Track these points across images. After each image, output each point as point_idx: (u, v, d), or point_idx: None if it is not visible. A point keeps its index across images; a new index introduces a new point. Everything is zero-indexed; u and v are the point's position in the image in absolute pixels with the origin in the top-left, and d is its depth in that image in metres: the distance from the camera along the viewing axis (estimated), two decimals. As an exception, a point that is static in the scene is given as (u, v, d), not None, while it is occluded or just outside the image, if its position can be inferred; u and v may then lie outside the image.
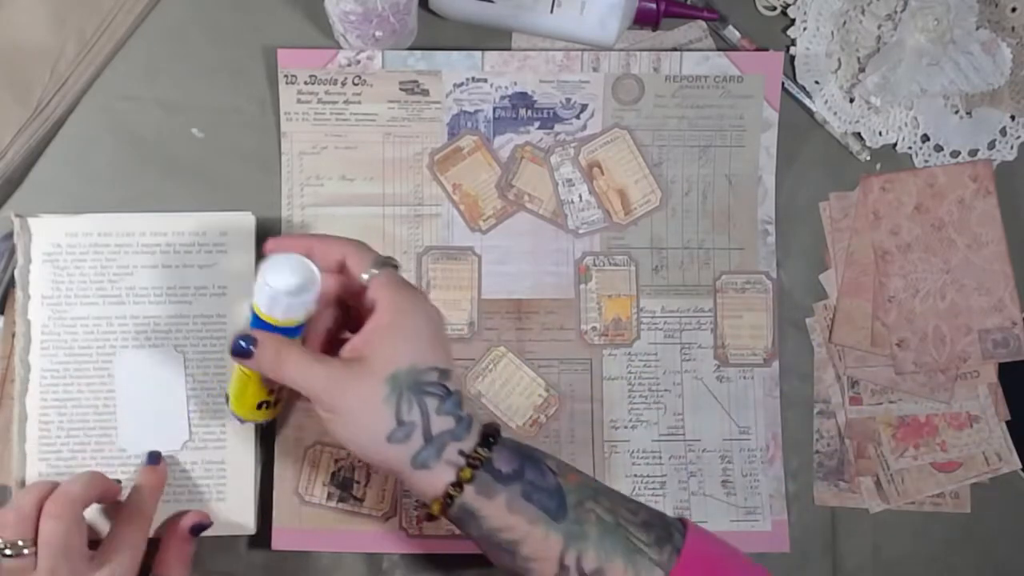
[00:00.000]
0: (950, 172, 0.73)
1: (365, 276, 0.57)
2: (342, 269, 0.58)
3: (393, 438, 0.53)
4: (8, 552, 0.58)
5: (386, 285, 0.56)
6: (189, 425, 0.68)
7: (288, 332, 0.56)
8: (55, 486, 0.61)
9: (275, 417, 0.65)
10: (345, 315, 0.61)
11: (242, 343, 0.55)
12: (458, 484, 0.54)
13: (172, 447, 0.68)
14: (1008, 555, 0.73)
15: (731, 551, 0.58)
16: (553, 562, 0.54)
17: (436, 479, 0.54)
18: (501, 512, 0.54)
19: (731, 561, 0.58)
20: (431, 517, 0.56)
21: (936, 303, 0.72)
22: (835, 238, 0.73)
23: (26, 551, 0.58)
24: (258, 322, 0.56)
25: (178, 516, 0.67)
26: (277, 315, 0.55)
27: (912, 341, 0.72)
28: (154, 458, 0.67)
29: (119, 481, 0.65)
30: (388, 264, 0.58)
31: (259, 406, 0.61)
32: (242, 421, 0.63)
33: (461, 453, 0.54)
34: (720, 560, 0.57)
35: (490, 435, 0.55)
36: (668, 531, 0.55)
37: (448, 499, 0.54)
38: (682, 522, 0.57)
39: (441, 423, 0.54)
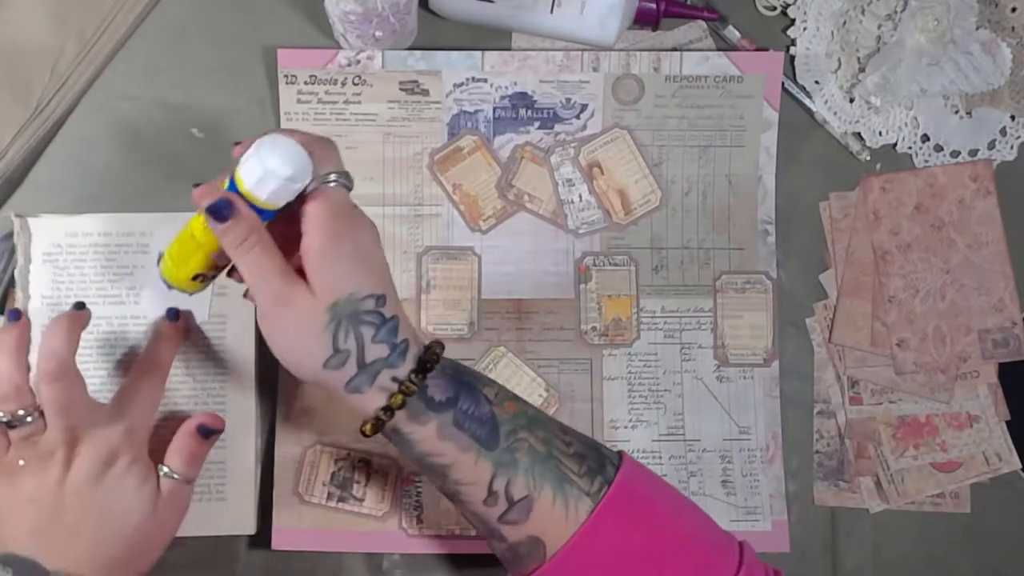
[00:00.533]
0: (950, 172, 0.73)
1: (331, 177, 0.55)
2: None
3: (328, 364, 0.54)
4: (14, 424, 0.59)
5: (328, 203, 0.54)
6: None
7: (259, 214, 0.54)
8: (24, 342, 0.60)
9: (200, 291, 0.61)
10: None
11: (223, 206, 0.53)
12: (389, 409, 0.54)
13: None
14: (1008, 555, 0.73)
15: (665, 489, 0.59)
16: (482, 487, 0.55)
17: (369, 402, 0.55)
18: (432, 438, 0.55)
19: (662, 497, 0.58)
20: (364, 435, 0.56)
21: (936, 303, 0.72)
22: (835, 238, 0.73)
23: (29, 419, 0.59)
24: (234, 192, 0.54)
25: (189, 420, 0.65)
26: (260, 195, 0.53)
27: (912, 341, 0.72)
28: (173, 314, 0.66)
29: (83, 304, 0.62)
30: (341, 182, 0.55)
31: (195, 277, 0.58)
32: (169, 287, 0.60)
33: (394, 379, 0.55)
34: (650, 494, 0.57)
35: (428, 361, 0.55)
36: (601, 463, 0.56)
37: (379, 422, 0.55)
38: (621, 456, 0.58)
39: (376, 351, 0.54)
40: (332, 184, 0.55)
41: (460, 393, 0.55)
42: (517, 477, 0.55)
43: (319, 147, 0.55)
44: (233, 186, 0.54)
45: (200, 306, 0.68)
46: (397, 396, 0.54)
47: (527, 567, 0.56)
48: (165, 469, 0.63)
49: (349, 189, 0.56)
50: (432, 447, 0.55)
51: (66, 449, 0.59)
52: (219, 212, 0.53)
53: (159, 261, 0.59)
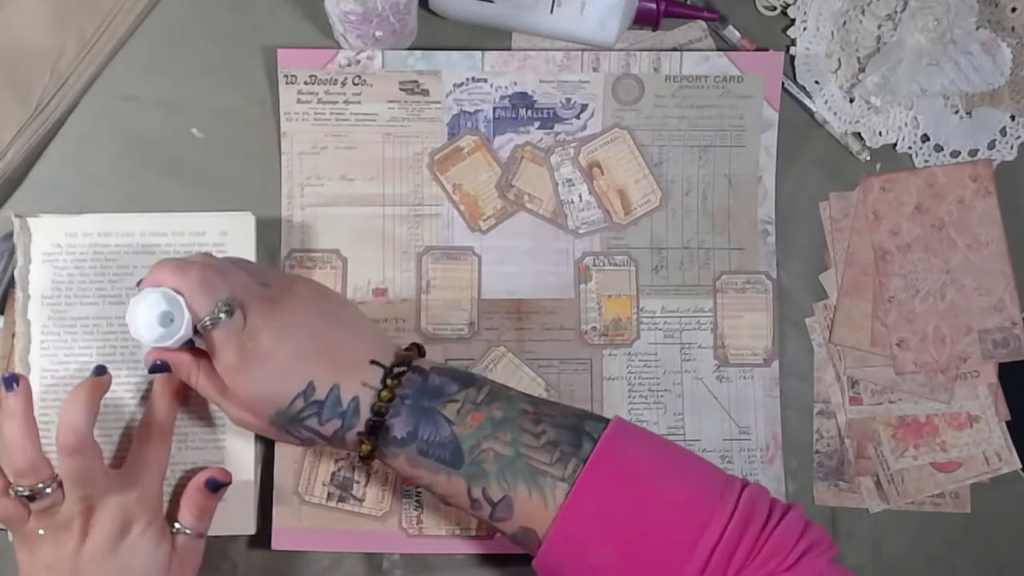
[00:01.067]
0: (950, 172, 0.73)
1: (206, 322, 0.58)
2: None
3: (305, 446, 0.62)
4: (35, 496, 0.59)
5: (214, 344, 0.58)
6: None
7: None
8: (30, 409, 0.60)
9: None
10: None
11: (158, 366, 0.62)
12: (362, 457, 0.60)
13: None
14: (1008, 555, 0.73)
15: (655, 447, 0.60)
16: (463, 497, 0.58)
17: (348, 449, 0.61)
18: (404, 467, 0.59)
19: (649, 458, 0.58)
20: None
21: (936, 303, 0.72)
22: (835, 238, 0.73)
23: (49, 490, 0.59)
24: None
25: (199, 469, 0.67)
26: (151, 344, 0.59)
27: (912, 341, 0.72)
28: (167, 366, 0.66)
29: (103, 369, 0.63)
30: (219, 317, 0.57)
31: None
32: None
33: (359, 434, 0.59)
34: (634, 459, 0.58)
35: (379, 413, 0.59)
36: (577, 443, 0.57)
37: (362, 460, 0.60)
38: (608, 424, 0.59)
39: (330, 427, 0.59)
40: (211, 324, 0.57)
41: (420, 423, 0.59)
42: (490, 484, 0.57)
43: (193, 288, 0.57)
44: None
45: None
46: (365, 445, 0.59)
47: (531, 552, 0.58)
48: (178, 526, 0.64)
49: (231, 314, 0.58)
50: (408, 474, 0.60)
51: (82, 519, 0.60)
52: (159, 370, 0.62)
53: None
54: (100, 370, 0.63)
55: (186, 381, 0.62)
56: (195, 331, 0.58)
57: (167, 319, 0.57)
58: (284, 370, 0.58)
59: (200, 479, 0.65)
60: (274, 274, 0.64)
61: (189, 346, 0.61)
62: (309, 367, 0.59)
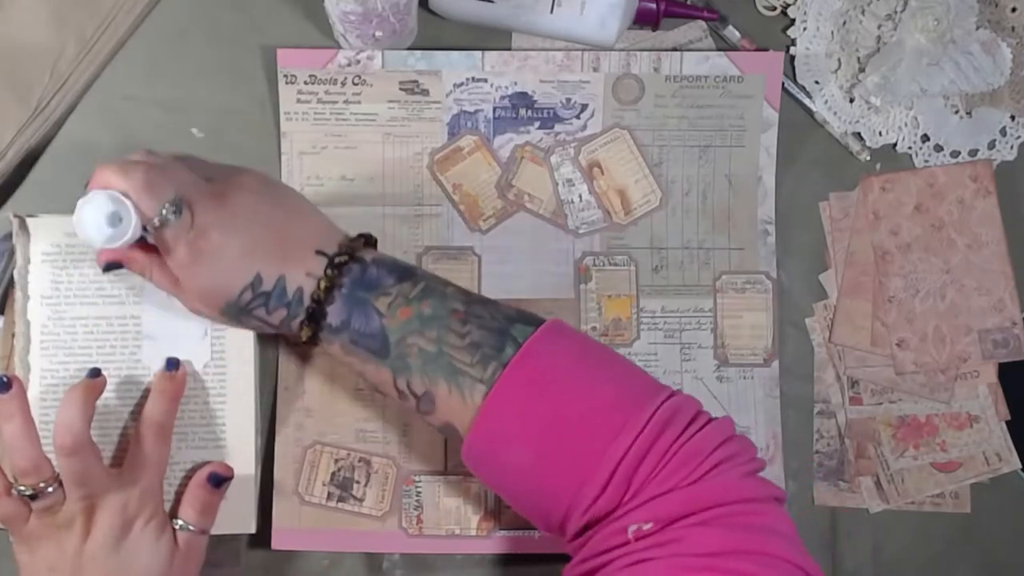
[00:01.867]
0: (950, 172, 0.73)
1: (155, 222, 0.58)
2: None
3: (227, 313, 0.62)
4: (37, 496, 0.60)
5: (163, 241, 0.59)
6: (211, 345, 0.69)
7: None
8: (26, 408, 0.61)
9: None
10: None
11: (111, 263, 0.63)
12: (304, 340, 0.62)
13: (194, 358, 0.69)
14: (1008, 555, 0.73)
15: (584, 352, 0.60)
16: (390, 387, 0.60)
17: (294, 336, 0.63)
18: (339, 353, 0.62)
19: (575, 364, 0.58)
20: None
21: (936, 303, 0.72)
22: (835, 238, 0.73)
23: (50, 489, 0.60)
24: None
25: (202, 464, 0.67)
26: (100, 246, 0.58)
27: (912, 341, 0.72)
28: (172, 364, 0.67)
29: (98, 372, 0.65)
30: (168, 218, 0.57)
31: None
32: None
33: (301, 322, 0.61)
34: (557, 365, 0.58)
35: (319, 296, 0.60)
36: (500, 347, 0.58)
37: (305, 345, 0.62)
38: (540, 327, 0.59)
39: (277, 316, 0.61)
40: (159, 225, 0.58)
41: (352, 314, 0.60)
42: (413, 376, 0.59)
43: (139, 190, 0.57)
44: None
45: (201, 351, 0.68)
46: (305, 330, 0.61)
47: (457, 447, 0.60)
48: (180, 522, 0.65)
49: (179, 214, 0.58)
50: (342, 360, 0.62)
51: (84, 518, 0.61)
52: (113, 268, 0.63)
53: None
54: (95, 373, 0.64)
55: (140, 275, 0.63)
56: (144, 229, 0.58)
57: (115, 219, 0.57)
58: (232, 264, 0.60)
59: (202, 474, 0.66)
60: (219, 168, 0.64)
61: (141, 242, 0.61)
62: (256, 260, 0.60)
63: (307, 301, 0.60)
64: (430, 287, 0.61)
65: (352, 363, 0.61)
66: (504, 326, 0.59)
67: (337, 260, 0.61)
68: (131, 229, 0.57)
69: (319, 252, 0.61)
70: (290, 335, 0.63)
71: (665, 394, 0.57)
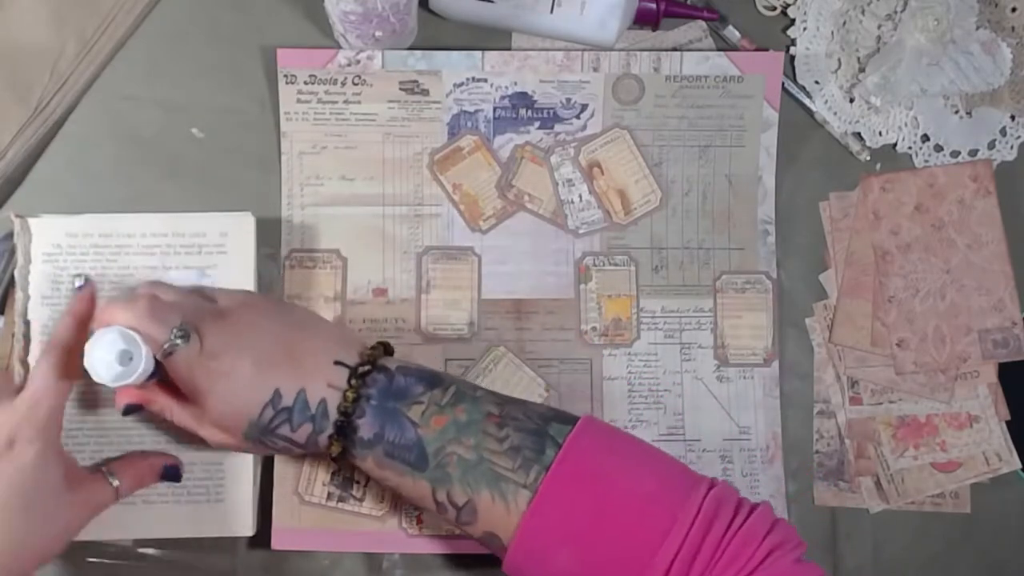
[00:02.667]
0: (950, 172, 0.73)
1: (166, 348, 0.58)
2: None
3: (282, 453, 0.62)
4: None
5: (175, 369, 0.58)
6: None
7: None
8: None
9: None
10: None
11: (131, 406, 0.62)
12: (334, 459, 0.60)
13: None
14: (1008, 555, 0.73)
15: (622, 447, 0.60)
16: (429, 500, 0.59)
17: (322, 452, 0.61)
18: (372, 468, 0.60)
19: (615, 458, 0.58)
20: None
21: (936, 303, 0.72)
22: (835, 238, 0.73)
23: None
24: None
25: (158, 453, 0.67)
26: (111, 385, 0.59)
27: (912, 341, 0.72)
28: (83, 282, 0.66)
29: (86, 280, 0.65)
30: (175, 344, 0.57)
31: None
32: None
33: (329, 436, 0.59)
34: (598, 462, 0.58)
35: (347, 409, 0.59)
36: (540, 449, 0.57)
37: (335, 462, 0.61)
38: (574, 426, 0.58)
39: (302, 433, 0.59)
40: (170, 350, 0.57)
41: (385, 425, 0.59)
42: (454, 488, 0.58)
43: (144, 320, 0.58)
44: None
45: None
46: (334, 446, 0.60)
47: (498, 555, 0.58)
48: (107, 473, 0.63)
49: (187, 338, 0.58)
50: (376, 475, 0.60)
51: None
52: (133, 412, 0.62)
53: None
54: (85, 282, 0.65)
55: (165, 417, 0.62)
56: (157, 362, 0.59)
57: (126, 357, 0.57)
58: (248, 382, 0.58)
59: (160, 462, 0.66)
60: (223, 292, 0.65)
61: (158, 379, 0.61)
62: (272, 375, 0.59)
63: (333, 414, 0.59)
64: (461, 391, 0.60)
65: (386, 477, 0.60)
66: (541, 427, 0.58)
67: (361, 370, 0.60)
68: (143, 363, 0.57)
69: (338, 363, 0.60)
70: (318, 454, 0.62)
71: (706, 485, 0.57)
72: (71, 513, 0.61)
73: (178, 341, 0.57)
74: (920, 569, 0.73)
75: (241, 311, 0.61)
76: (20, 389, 0.62)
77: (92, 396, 0.67)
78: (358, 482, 0.70)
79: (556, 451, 0.57)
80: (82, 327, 0.64)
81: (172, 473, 0.66)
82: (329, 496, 0.70)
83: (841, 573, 0.72)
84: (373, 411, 0.59)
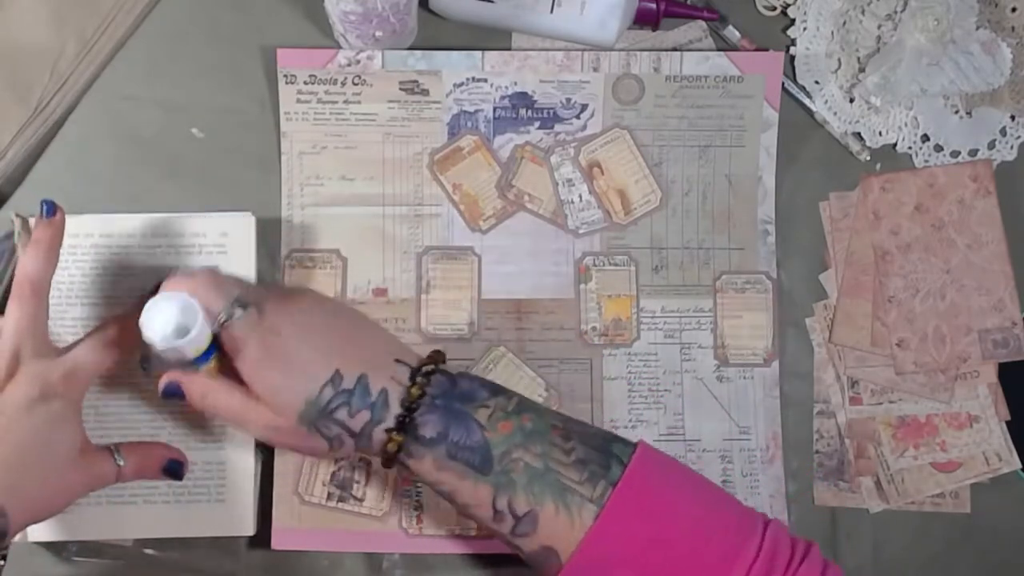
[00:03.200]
0: (950, 172, 0.73)
1: (222, 318, 0.57)
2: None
3: (333, 451, 0.59)
4: None
5: (233, 341, 0.57)
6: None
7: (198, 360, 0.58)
8: None
9: None
10: None
11: (171, 389, 0.60)
12: (388, 455, 0.58)
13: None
14: (1008, 555, 0.73)
15: (681, 476, 0.60)
16: (487, 507, 0.57)
17: (378, 450, 0.59)
18: (430, 470, 0.58)
19: (675, 487, 0.58)
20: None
21: (936, 303, 0.72)
22: (835, 238, 0.73)
23: None
24: None
25: (166, 446, 0.67)
26: (168, 357, 0.57)
27: (912, 341, 0.72)
28: (50, 208, 0.62)
29: (52, 208, 0.62)
30: (234, 315, 0.57)
31: None
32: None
33: (386, 430, 0.58)
34: (661, 487, 0.57)
35: (410, 409, 0.58)
36: (606, 465, 0.57)
37: (387, 462, 0.59)
38: (636, 448, 0.58)
39: (359, 419, 0.58)
40: (226, 321, 0.57)
41: (450, 426, 0.57)
42: (517, 495, 0.56)
43: (205, 287, 0.57)
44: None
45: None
46: (392, 442, 0.57)
47: (547, 573, 0.57)
48: (115, 451, 0.63)
49: (246, 308, 0.57)
50: (433, 478, 0.58)
51: (4, 372, 0.59)
52: (173, 394, 0.60)
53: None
54: (51, 209, 0.62)
55: (200, 406, 0.60)
56: (212, 347, 0.58)
57: (183, 327, 0.56)
58: (309, 359, 0.58)
59: (165, 456, 0.66)
60: (278, 284, 0.66)
61: (207, 364, 0.60)
62: (335, 357, 0.58)
63: (395, 407, 0.58)
64: (524, 401, 0.60)
65: (443, 480, 0.58)
66: (604, 444, 0.58)
67: (425, 369, 0.59)
68: (197, 329, 0.56)
69: (399, 361, 0.59)
70: (366, 450, 0.59)
71: (763, 521, 0.57)
72: (76, 477, 0.61)
73: (236, 311, 0.57)
74: (920, 569, 0.73)
75: (303, 296, 0.61)
76: (59, 350, 0.62)
77: (97, 383, 0.67)
78: (358, 482, 0.70)
79: (622, 469, 0.56)
80: (51, 257, 0.62)
81: (175, 469, 0.66)
82: (329, 496, 0.70)
83: (841, 573, 0.72)
84: (439, 410, 0.58)
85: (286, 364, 0.57)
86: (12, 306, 0.60)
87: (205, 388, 0.59)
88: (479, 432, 0.57)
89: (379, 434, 0.58)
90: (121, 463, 0.63)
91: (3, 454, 0.57)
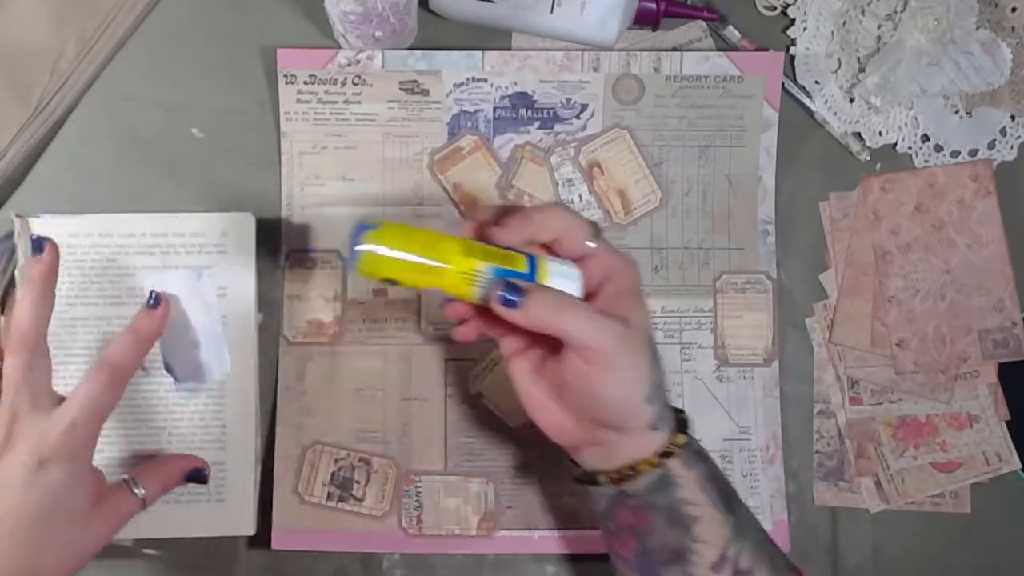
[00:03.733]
0: (950, 172, 0.73)
1: (592, 245, 0.57)
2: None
3: (649, 399, 0.55)
4: None
5: (610, 251, 0.58)
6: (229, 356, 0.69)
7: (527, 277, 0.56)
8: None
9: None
10: None
11: (509, 296, 0.54)
12: (667, 452, 0.56)
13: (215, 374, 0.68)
14: (1008, 555, 0.73)
15: None
16: (717, 549, 0.55)
17: (655, 442, 0.56)
18: (694, 486, 0.56)
19: None
20: (617, 481, 0.57)
21: (936, 303, 0.72)
22: (835, 238, 0.73)
23: None
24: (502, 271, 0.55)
25: (182, 456, 0.67)
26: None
27: (912, 341, 0.72)
28: (38, 243, 0.61)
29: (40, 245, 0.60)
30: (598, 231, 0.58)
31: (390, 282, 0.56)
32: (350, 267, 0.54)
33: (670, 430, 0.57)
34: None
35: (686, 420, 0.59)
36: (789, 567, 0.59)
37: (664, 456, 0.56)
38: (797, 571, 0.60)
39: (655, 412, 0.56)
40: (600, 238, 0.58)
41: (706, 457, 0.58)
42: (746, 549, 0.56)
43: (562, 222, 0.57)
44: (522, 274, 0.56)
45: (220, 357, 0.69)
46: (681, 435, 0.57)
47: None
48: (132, 483, 0.62)
49: (601, 232, 0.58)
50: (693, 495, 0.56)
51: (3, 434, 0.57)
52: (509, 303, 0.54)
53: (358, 237, 0.54)
54: (38, 246, 0.60)
55: (540, 313, 0.54)
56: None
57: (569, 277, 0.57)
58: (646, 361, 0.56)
59: (183, 465, 0.65)
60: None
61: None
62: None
63: (670, 419, 0.58)
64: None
65: (699, 501, 0.56)
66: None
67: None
68: (578, 281, 0.57)
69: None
70: (639, 444, 0.56)
71: None
72: (92, 534, 0.59)
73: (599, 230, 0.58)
74: (920, 569, 0.73)
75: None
76: (60, 399, 0.59)
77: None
78: (358, 482, 0.70)
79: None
80: (144, 349, 0.62)
81: (197, 475, 0.66)
82: (329, 496, 0.70)
83: (841, 573, 0.72)
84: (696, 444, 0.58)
85: (641, 294, 0.57)
86: (7, 358, 0.57)
87: (559, 298, 0.55)
88: (724, 475, 0.58)
89: (671, 419, 0.57)
90: (140, 492, 0.62)
91: (16, 535, 0.56)
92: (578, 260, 0.58)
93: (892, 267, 0.73)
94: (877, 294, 0.73)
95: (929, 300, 0.72)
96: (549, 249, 0.58)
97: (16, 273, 0.67)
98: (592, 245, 0.57)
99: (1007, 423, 0.73)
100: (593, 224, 0.58)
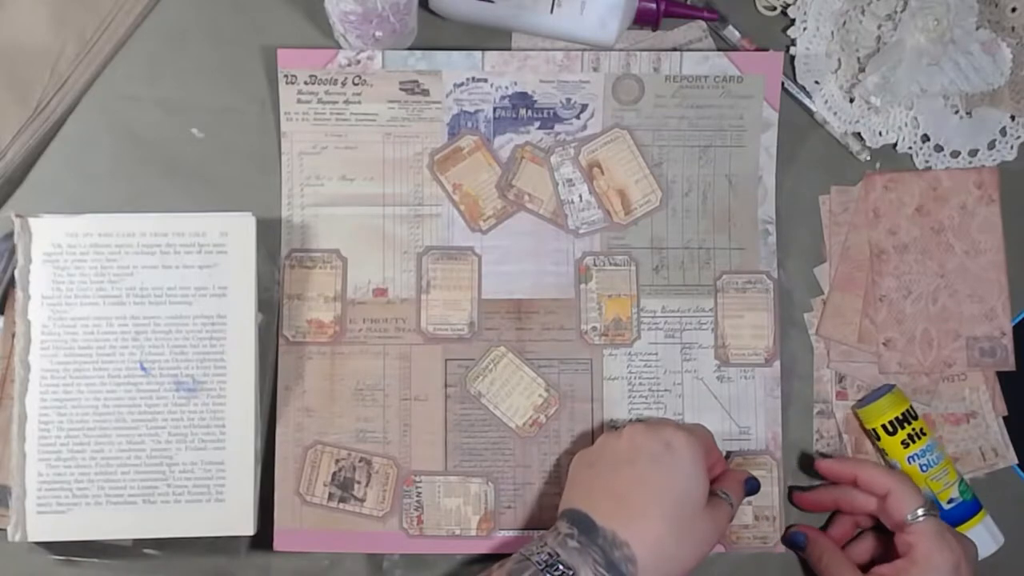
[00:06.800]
0: (955, 176, 0.73)
1: (908, 518, 0.64)
2: (885, 499, 0.66)
3: None
4: None
5: (926, 534, 0.64)
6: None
7: None
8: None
9: None
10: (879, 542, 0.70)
11: (798, 537, 0.70)
12: None
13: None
14: (1007, 553, 0.73)
15: None
16: None
17: None
18: None
19: None
20: None
21: (927, 306, 0.73)
22: (832, 231, 0.73)
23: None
24: None
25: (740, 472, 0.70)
26: None
27: (899, 342, 0.72)
28: (803, 542, 0.70)
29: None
30: (931, 511, 0.64)
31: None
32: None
33: None
34: None
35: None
36: None
37: None
38: None
39: None
40: (928, 516, 0.64)
41: None
42: None
43: (895, 486, 0.66)
44: None
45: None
46: None
47: None
48: (722, 493, 0.65)
49: (936, 515, 0.65)
50: None
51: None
52: (795, 545, 0.70)
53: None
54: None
55: (812, 557, 0.69)
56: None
57: None
58: None
59: (744, 477, 0.68)
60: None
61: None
62: None
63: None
64: None
65: None
66: None
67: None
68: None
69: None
70: None
71: None
72: (709, 529, 0.63)
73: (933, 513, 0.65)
74: (918, 568, 0.73)
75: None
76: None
77: (97, 384, 0.68)
78: (359, 483, 0.70)
79: None
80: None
81: (754, 486, 0.69)
82: (330, 497, 0.70)
83: (839, 572, 0.72)
84: None
85: None
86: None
87: (827, 550, 0.68)
88: None
89: None
90: (731, 502, 0.65)
91: (639, 500, 0.61)
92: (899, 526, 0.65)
93: (887, 266, 0.73)
94: (869, 291, 0.73)
95: (920, 302, 0.73)
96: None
97: (16, 273, 0.67)
98: (908, 518, 0.64)
99: (1004, 419, 0.73)
100: (920, 498, 0.65)
